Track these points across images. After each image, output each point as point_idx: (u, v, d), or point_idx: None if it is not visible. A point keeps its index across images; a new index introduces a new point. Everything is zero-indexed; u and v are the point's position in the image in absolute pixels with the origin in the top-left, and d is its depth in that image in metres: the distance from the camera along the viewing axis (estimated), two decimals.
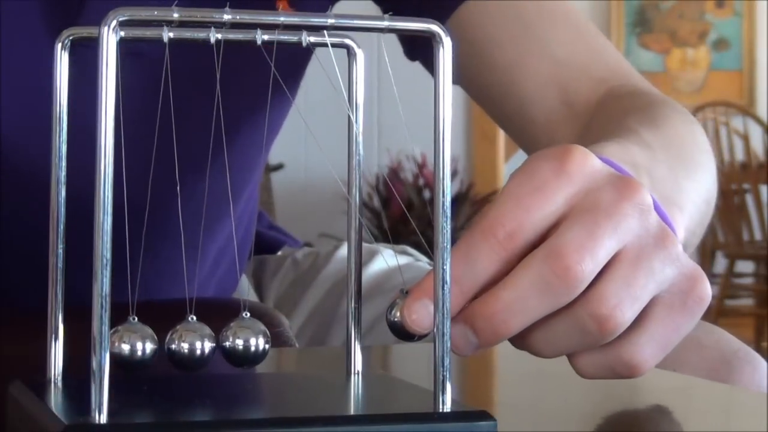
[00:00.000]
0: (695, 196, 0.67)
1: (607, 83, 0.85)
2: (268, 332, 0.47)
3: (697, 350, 0.73)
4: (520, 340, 0.50)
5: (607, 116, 0.79)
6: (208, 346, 0.46)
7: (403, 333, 0.49)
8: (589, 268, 0.48)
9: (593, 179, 0.51)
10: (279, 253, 1.09)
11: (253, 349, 0.47)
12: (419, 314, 0.48)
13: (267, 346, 0.47)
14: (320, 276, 1.01)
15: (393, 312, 0.50)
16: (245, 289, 1.03)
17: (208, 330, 0.47)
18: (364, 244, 1.05)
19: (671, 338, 0.51)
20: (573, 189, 0.50)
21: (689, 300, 0.51)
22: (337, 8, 0.92)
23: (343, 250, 1.02)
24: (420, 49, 0.90)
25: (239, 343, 0.47)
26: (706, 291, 0.52)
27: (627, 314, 0.49)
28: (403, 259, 1.01)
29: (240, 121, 0.85)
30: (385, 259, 1.03)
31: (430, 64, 0.89)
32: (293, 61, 0.88)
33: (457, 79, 0.90)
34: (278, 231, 1.14)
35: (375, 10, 0.86)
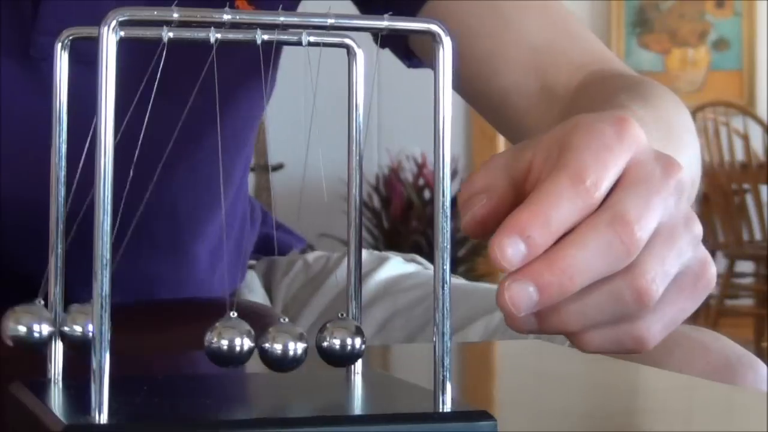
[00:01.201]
0: None
1: (587, 68, 0.85)
2: (252, 332, 0.46)
3: (704, 354, 0.74)
4: (552, 313, 0.50)
5: (594, 94, 0.79)
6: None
7: (333, 359, 0.48)
8: (646, 237, 0.49)
9: (643, 151, 0.52)
10: (290, 254, 1.09)
11: (237, 349, 0.46)
12: (510, 251, 0.48)
13: (251, 345, 0.47)
14: (331, 278, 1.01)
15: (323, 335, 0.48)
16: (256, 289, 1.03)
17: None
18: (375, 252, 1.05)
19: (677, 318, 0.52)
20: (629, 155, 0.51)
21: (699, 284, 0.52)
22: (302, 7, 0.92)
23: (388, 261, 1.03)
24: (415, 56, 0.90)
25: (224, 343, 0.46)
26: (714, 277, 0.53)
27: (660, 289, 0.50)
28: (411, 267, 1.02)
29: (203, 120, 0.85)
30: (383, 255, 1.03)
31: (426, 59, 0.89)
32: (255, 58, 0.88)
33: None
34: (284, 231, 1.14)
35: (343, 8, 0.87)
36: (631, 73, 0.85)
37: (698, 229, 0.52)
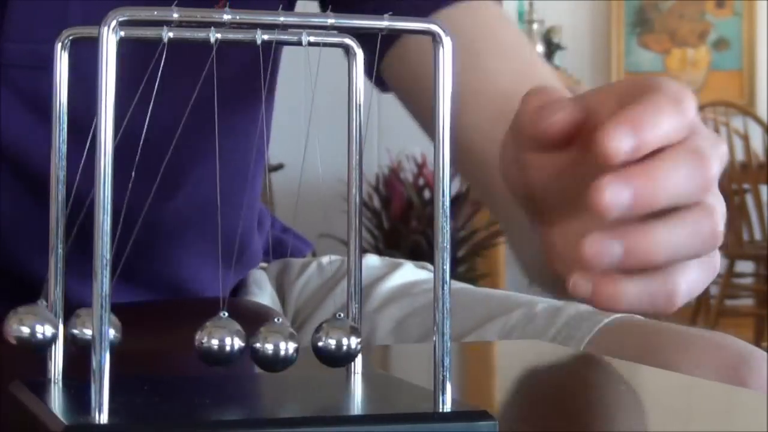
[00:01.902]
0: None
1: None
2: (242, 331, 0.46)
3: (717, 352, 0.76)
4: (641, 240, 0.51)
5: None
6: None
7: (329, 359, 0.48)
8: (717, 177, 0.53)
9: (696, 120, 0.54)
10: (304, 257, 1.09)
11: (227, 349, 0.46)
12: (618, 138, 0.50)
13: (241, 345, 0.46)
14: (344, 282, 1.01)
15: (318, 335, 0.48)
16: (266, 289, 1.03)
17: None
18: (388, 258, 1.05)
19: (698, 286, 0.55)
20: (689, 120, 0.53)
21: (713, 259, 0.55)
22: (300, 7, 0.93)
23: (369, 260, 1.03)
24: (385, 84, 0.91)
25: (214, 343, 0.46)
26: (719, 256, 0.56)
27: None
28: (424, 274, 1.02)
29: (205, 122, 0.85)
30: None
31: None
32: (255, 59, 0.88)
33: (409, 108, 0.90)
34: (291, 234, 1.14)
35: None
36: None
37: (723, 207, 0.55)
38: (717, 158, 0.53)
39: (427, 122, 0.89)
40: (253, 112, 0.93)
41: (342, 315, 0.48)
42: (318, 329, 0.48)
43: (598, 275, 0.51)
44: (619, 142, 0.49)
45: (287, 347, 0.46)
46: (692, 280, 0.54)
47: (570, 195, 0.58)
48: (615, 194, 0.49)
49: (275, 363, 0.46)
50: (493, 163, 0.85)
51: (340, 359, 0.48)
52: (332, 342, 0.47)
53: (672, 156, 0.51)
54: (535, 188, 0.60)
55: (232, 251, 0.93)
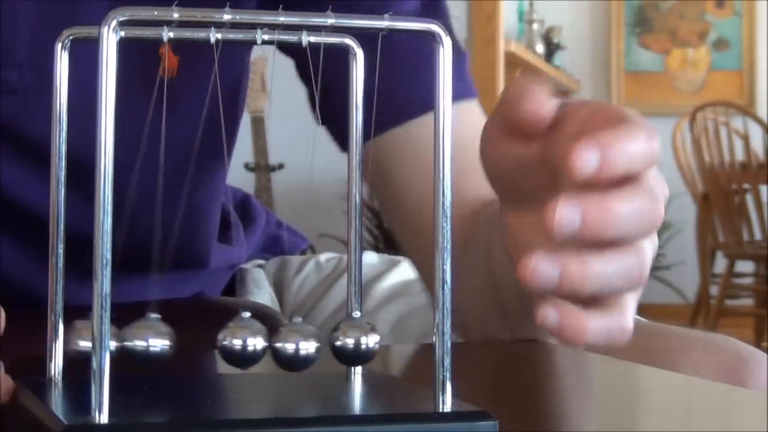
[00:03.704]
0: None
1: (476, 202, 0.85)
2: (266, 331, 0.47)
3: (716, 353, 0.76)
4: (577, 266, 0.51)
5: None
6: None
7: (347, 358, 0.48)
8: (659, 218, 0.53)
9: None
10: (302, 254, 1.09)
11: (250, 349, 0.46)
12: (585, 156, 0.50)
13: (264, 345, 0.47)
14: (342, 279, 1.01)
15: (336, 335, 0.48)
16: (264, 287, 1.03)
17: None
18: (386, 255, 1.05)
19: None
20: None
21: (640, 288, 0.56)
22: None
23: (367, 257, 1.03)
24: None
25: (237, 343, 0.46)
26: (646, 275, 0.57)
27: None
28: None
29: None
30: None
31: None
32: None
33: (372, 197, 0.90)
34: (288, 230, 1.14)
35: None
36: None
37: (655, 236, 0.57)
38: (663, 201, 0.54)
39: (386, 213, 0.90)
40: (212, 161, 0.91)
41: (359, 314, 0.48)
42: (336, 328, 0.48)
43: (564, 308, 0.52)
44: (587, 161, 0.49)
45: (308, 347, 0.46)
46: (633, 314, 0.55)
47: (530, 187, 0.60)
48: (567, 216, 0.49)
49: (297, 363, 0.46)
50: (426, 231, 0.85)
51: (359, 358, 0.48)
52: (350, 341, 0.47)
53: (629, 192, 0.51)
54: (504, 172, 0.62)
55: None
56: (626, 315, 0.54)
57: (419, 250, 0.87)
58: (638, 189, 0.52)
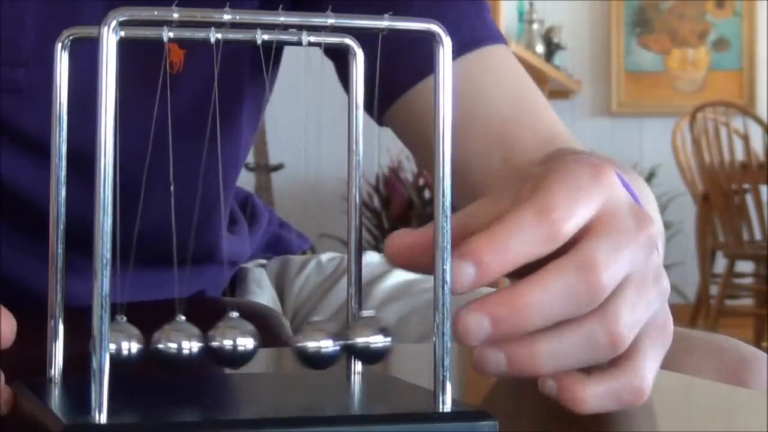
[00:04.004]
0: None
1: (552, 143, 0.85)
2: (256, 332, 0.46)
3: (719, 354, 0.76)
4: (523, 353, 0.49)
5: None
6: (195, 345, 0.46)
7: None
8: (612, 285, 0.49)
9: (619, 199, 0.52)
10: (303, 254, 1.09)
11: (240, 349, 0.46)
12: (458, 272, 0.47)
13: (255, 345, 0.46)
14: (344, 279, 1.01)
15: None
16: (265, 287, 1.03)
17: (196, 330, 0.46)
18: None
19: (657, 368, 0.52)
20: (603, 201, 0.51)
21: (665, 336, 0.53)
22: None
23: (368, 257, 1.03)
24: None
25: (227, 343, 0.46)
26: (672, 328, 0.54)
27: (632, 335, 0.50)
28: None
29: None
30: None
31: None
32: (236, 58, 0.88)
33: (405, 141, 0.90)
34: (290, 230, 1.14)
35: None
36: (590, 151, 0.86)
37: (666, 283, 0.53)
38: (620, 261, 0.49)
39: (419, 145, 0.90)
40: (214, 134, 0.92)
41: (373, 313, 0.48)
42: (349, 327, 0.48)
43: (563, 375, 0.50)
44: (457, 274, 0.47)
45: (329, 345, 0.47)
46: (655, 365, 0.52)
47: None
48: (471, 323, 0.47)
49: (318, 361, 0.47)
50: (484, 187, 0.85)
51: (373, 357, 0.48)
52: (362, 340, 0.47)
53: (542, 279, 0.48)
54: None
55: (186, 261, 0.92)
56: (640, 374, 0.51)
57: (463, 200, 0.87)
58: (562, 266, 0.48)
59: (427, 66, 0.86)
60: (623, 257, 0.50)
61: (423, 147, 0.89)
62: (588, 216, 0.50)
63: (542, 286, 0.48)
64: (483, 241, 0.48)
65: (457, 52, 0.86)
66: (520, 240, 0.48)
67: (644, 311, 0.51)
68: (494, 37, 0.89)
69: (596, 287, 0.48)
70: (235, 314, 0.47)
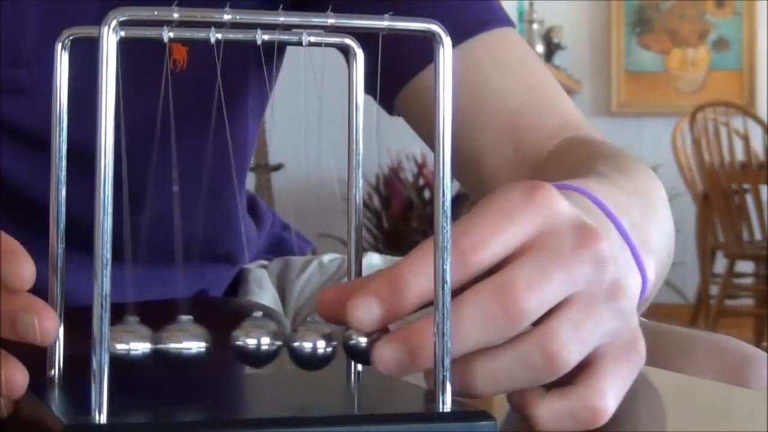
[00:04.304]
0: (660, 245, 0.66)
1: (562, 133, 0.85)
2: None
3: (720, 353, 0.76)
4: (461, 374, 0.49)
5: (571, 161, 0.78)
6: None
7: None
8: (535, 307, 0.48)
9: (558, 219, 0.50)
10: (305, 255, 1.09)
11: (264, 348, 0.47)
12: (361, 312, 0.47)
13: (277, 345, 0.47)
14: (345, 280, 1.01)
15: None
16: (267, 288, 1.03)
17: (203, 330, 0.46)
18: (388, 257, 1.05)
19: (622, 387, 0.51)
20: (536, 224, 0.50)
21: (632, 354, 0.51)
22: None
23: (370, 258, 1.03)
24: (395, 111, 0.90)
25: (251, 342, 0.47)
26: (644, 348, 0.52)
27: (574, 355, 0.48)
28: None
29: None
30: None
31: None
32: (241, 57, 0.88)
33: (415, 127, 0.90)
34: (292, 233, 1.14)
35: None
36: (604, 141, 0.84)
37: (625, 302, 0.51)
38: (546, 282, 0.48)
39: (430, 133, 0.89)
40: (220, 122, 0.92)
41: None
42: (348, 328, 0.48)
43: (525, 391, 0.49)
44: (359, 313, 0.47)
45: (325, 345, 0.47)
46: (617, 385, 0.50)
47: None
48: (387, 356, 0.47)
49: (313, 361, 0.47)
50: (499, 179, 0.85)
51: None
52: (363, 340, 0.48)
53: (457, 305, 0.47)
54: None
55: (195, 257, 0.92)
56: (598, 394, 0.49)
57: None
58: (475, 293, 0.47)
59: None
60: (555, 278, 0.48)
61: (433, 132, 0.88)
62: (512, 241, 0.49)
63: (457, 312, 0.47)
64: (385, 278, 0.47)
65: (462, 37, 0.86)
66: (423, 274, 0.47)
67: (593, 330, 0.49)
68: (499, 20, 0.88)
69: (513, 311, 0.47)
70: (259, 313, 0.47)
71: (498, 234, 0.48)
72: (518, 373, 0.48)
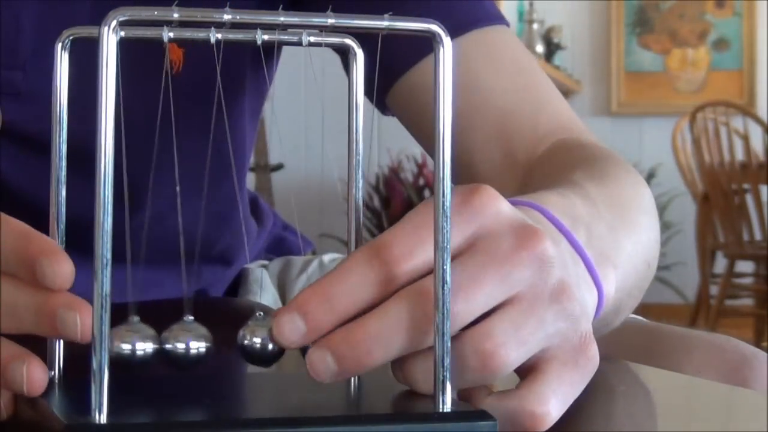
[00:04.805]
0: (634, 256, 0.64)
1: (552, 136, 0.84)
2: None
3: (720, 353, 0.76)
4: (400, 372, 0.49)
5: (551, 168, 0.77)
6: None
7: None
8: (463, 310, 0.47)
9: (497, 222, 0.50)
10: (305, 255, 1.09)
11: (269, 348, 0.47)
12: (287, 328, 0.47)
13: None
14: None
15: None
16: (267, 288, 1.03)
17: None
18: None
19: (568, 393, 0.50)
20: (472, 227, 0.49)
21: (581, 359, 0.50)
22: None
23: None
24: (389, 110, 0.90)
25: (256, 341, 0.47)
26: (596, 353, 0.51)
27: (512, 356, 0.48)
28: None
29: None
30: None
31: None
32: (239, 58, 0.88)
33: (407, 123, 0.89)
34: (292, 233, 1.14)
35: None
36: (594, 143, 0.83)
37: (572, 304, 0.50)
38: (476, 284, 0.47)
39: (422, 133, 0.89)
40: (220, 116, 0.92)
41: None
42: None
43: (470, 390, 0.49)
44: (286, 329, 0.46)
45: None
46: (562, 390, 0.49)
47: None
48: (317, 363, 0.46)
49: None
50: (488, 181, 0.85)
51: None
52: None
53: (379, 311, 0.47)
54: None
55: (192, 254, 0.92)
56: (540, 398, 0.48)
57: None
58: (401, 297, 0.47)
59: (425, 45, 0.86)
60: (487, 280, 0.48)
61: (425, 128, 0.87)
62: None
63: (379, 317, 0.46)
64: (308, 292, 0.47)
65: (453, 33, 0.85)
66: (348, 286, 0.47)
67: (534, 331, 0.48)
68: (492, 17, 0.87)
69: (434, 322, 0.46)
70: (261, 314, 0.47)
71: (426, 242, 0.48)
72: (455, 374, 0.47)
